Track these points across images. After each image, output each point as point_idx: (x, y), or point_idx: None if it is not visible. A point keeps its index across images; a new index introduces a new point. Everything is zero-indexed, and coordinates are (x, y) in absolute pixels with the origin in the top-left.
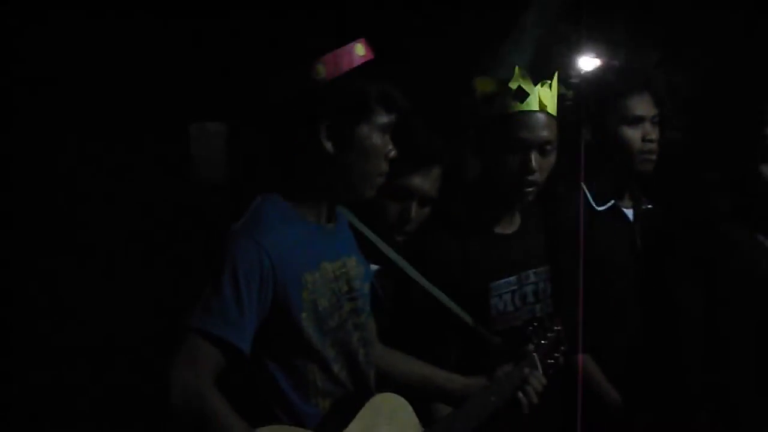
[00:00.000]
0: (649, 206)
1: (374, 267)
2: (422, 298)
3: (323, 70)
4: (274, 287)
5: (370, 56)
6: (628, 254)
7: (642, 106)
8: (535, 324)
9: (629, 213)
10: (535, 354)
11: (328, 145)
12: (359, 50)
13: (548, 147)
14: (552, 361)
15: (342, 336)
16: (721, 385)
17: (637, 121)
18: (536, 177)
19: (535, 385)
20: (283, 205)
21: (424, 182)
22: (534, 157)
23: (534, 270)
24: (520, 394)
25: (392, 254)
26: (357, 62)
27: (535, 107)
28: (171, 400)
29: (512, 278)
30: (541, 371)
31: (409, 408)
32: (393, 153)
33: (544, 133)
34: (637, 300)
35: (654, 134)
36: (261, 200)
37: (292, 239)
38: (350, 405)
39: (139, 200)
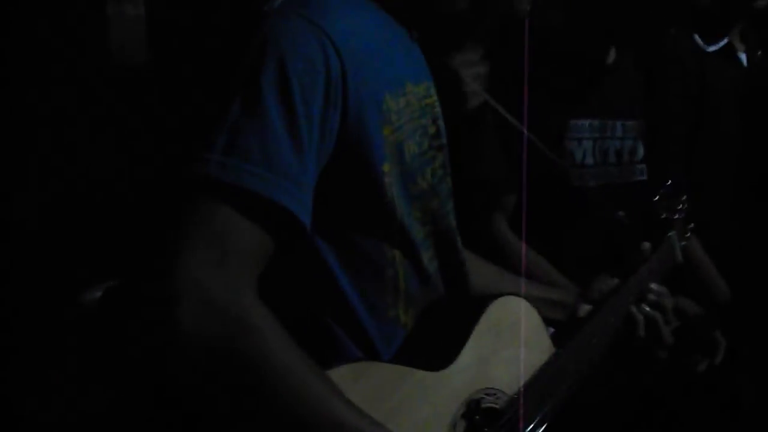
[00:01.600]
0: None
1: None
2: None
3: None
4: (343, 108)
5: None
6: (738, 107)
7: None
8: (666, 193)
9: (743, 57)
10: (673, 235)
11: None
12: None
13: None
14: (684, 243)
15: (434, 205)
16: None
17: None
18: None
19: None
20: None
21: None
22: None
23: (623, 122)
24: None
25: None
26: None
27: None
28: (182, 329)
29: (596, 121)
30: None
31: (537, 317)
32: None
33: None
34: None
35: None
36: None
37: (368, 33)
38: (448, 320)
39: None
